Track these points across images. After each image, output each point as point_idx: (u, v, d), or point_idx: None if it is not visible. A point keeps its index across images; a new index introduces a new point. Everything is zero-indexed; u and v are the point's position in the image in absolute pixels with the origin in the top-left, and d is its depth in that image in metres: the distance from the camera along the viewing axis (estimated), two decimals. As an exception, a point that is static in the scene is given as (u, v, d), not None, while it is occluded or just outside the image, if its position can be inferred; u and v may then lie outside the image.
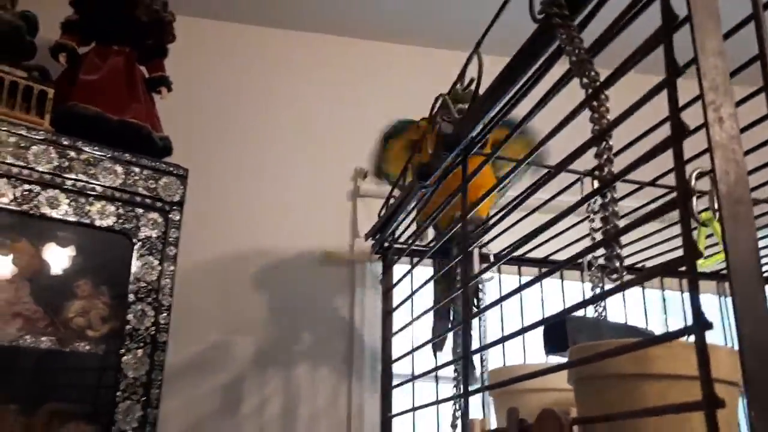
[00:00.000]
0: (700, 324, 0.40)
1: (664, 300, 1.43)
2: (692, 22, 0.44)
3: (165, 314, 1.35)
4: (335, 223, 1.99)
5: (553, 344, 0.84)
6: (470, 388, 0.81)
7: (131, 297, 1.33)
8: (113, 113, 1.41)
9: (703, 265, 0.91)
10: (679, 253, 0.49)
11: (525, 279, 1.55)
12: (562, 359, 0.84)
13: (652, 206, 1.04)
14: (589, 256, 0.95)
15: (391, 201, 1.28)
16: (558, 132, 0.65)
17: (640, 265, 1.48)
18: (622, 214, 1.27)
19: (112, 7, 1.47)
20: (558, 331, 0.83)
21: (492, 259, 1.39)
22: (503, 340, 0.76)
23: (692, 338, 0.41)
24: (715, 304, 1.52)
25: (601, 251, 0.61)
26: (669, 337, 0.44)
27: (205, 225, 1.85)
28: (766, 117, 0.44)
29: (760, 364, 0.38)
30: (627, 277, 0.56)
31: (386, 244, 1.35)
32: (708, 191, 0.94)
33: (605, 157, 0.56)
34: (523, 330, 0.74)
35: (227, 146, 1.98)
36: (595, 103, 0.58)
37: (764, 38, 0.47)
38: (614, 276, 0.54)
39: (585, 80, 0.59)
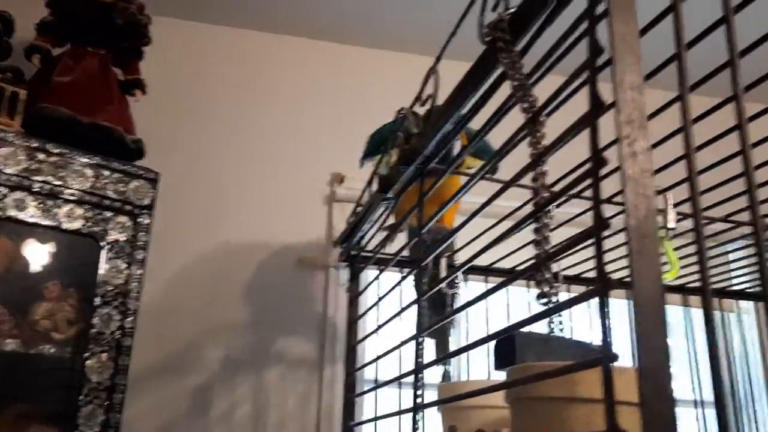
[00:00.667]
0: (607, 356, 0.41)
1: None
2: (612, 56, 0.45)
3: (131, 318, 1.35)
4: (311, 228, 2.00)
5: (503, 359, 0.85)
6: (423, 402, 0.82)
7: (98, 300, 1.33)
8: (85, 115, 1.41)
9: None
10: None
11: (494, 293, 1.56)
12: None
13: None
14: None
15: (359, 209, 1.28)
16: (502, 158, 0.67)
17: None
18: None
19: (87, 10, 1.47)
20: (508, 346, 0.84)
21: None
22: (451, 355, 0.77)
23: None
24: (679, 315, 1.54)
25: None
26: (578, 367, 0.45)
27: (177, 227, 1.85)
28: (684, 156, 0.45)
29: (655, 390, 0.39)
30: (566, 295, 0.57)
31: (353, 252, 1.36)
32: (662, 209, 0.96)
33: (539, 182, 0.57)
34: (471, 346, 0.75)
35: (202, 148, 1.98)
36: (532, 128, 0.59)
37: (685, 77, 0.48)
38: (543, 300, 0.55)
39: (525, 105, 0.60)
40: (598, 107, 0.47)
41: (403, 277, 1.18)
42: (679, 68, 0.48)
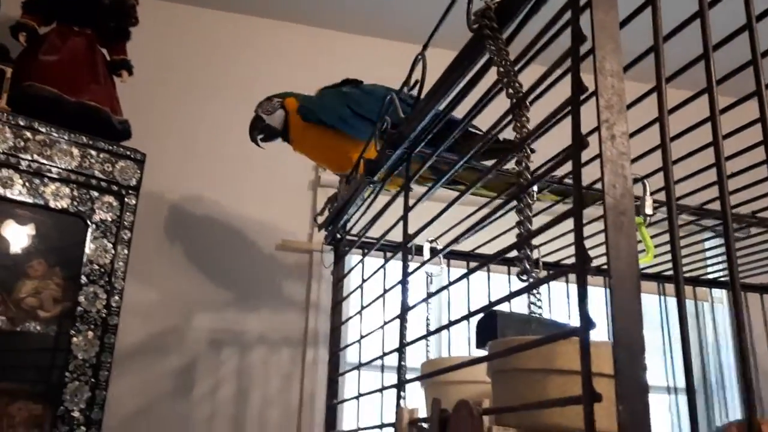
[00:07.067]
0: (586, 325, 0.44)
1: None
2: (593, 43, 0.48)
3: (117, 297, 1.36)
4: (296, 212, 2.01)
5: (484, 337, 0.88)
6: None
7: (83, 279, 1.34)
8: (71, 95, 1.42)
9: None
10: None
11: (475, 273, 1.58)
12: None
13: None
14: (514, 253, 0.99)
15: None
16: (491, 140, 0.69)
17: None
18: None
19: (74, -11, 1.46)
20: (489, 325, 0.87)
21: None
22: (432, 333, 0.79)
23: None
24: (655, 303, 1.57)
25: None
26: (557, 337, 0.47)
27: (162, 209, 1.86)
28: (660, 146, 0.48)
29: (629, 358, 0.41)
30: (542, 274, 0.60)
31: (338, 236, 1.38)
32: (639, 196, 0.99)
33: (523, 165, 0.60)
34: (454, 322, 0.77)
35: (188, 131, 1.99)
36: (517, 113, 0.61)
37: (662, 69, 0.50)
38: (524, 277, 0.58)
39: (510, 90, 0.63)
40: (580, 92, 0.50)
41: (386, 261, 1.20)
42: (657, 60, 0.51)
